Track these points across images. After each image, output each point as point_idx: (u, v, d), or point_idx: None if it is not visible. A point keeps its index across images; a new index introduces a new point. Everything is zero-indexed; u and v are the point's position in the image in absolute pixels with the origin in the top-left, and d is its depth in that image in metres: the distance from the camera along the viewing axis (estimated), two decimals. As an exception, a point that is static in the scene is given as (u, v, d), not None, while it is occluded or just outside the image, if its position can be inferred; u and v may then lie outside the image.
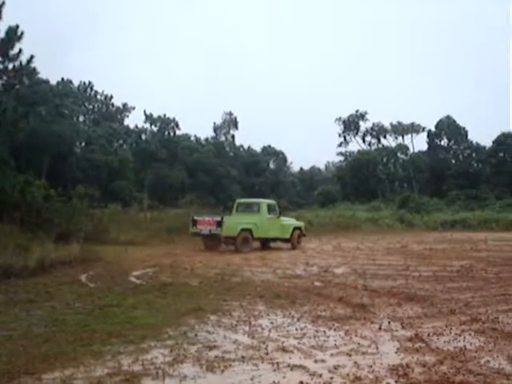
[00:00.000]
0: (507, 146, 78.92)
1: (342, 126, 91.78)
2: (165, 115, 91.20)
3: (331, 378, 6.04)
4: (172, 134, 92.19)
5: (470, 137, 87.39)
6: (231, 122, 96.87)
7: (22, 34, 24.00)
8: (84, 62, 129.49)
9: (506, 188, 73.36)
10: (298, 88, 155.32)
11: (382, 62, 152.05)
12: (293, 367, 6.44)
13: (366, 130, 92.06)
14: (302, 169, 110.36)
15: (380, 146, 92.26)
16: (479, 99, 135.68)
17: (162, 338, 7.84)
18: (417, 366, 6.48)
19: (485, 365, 6.52)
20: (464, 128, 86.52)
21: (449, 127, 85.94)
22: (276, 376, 6.11)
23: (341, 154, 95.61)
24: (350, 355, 6.98)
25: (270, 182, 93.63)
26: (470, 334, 8.11)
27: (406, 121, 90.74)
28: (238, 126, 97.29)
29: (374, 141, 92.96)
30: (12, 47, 24.14)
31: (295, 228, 27.77)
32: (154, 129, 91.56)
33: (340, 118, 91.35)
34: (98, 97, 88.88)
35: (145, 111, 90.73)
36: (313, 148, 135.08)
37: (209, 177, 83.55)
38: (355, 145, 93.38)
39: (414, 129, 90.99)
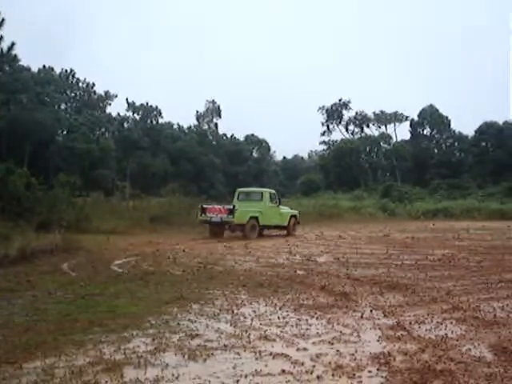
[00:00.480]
0: (489, 136, 79.49)
1: (325, 115, 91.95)
2: (147, 103, 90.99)
3: (313, 366, 6.03)
4: (154, 122, 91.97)
5: (452, 126, 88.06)
6: (214, 111, 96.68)
7: (2, 20, 23.71)
8: (65, 49, 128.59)
9: (488, 177, 73.89)
10: (282, 77, 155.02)
11: (365, 51, 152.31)
12: (275, 356, 6.43)
13: (349, 119, 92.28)
14: (285, 157, 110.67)
15: (363, 134, 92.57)
16: (462, 88, 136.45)
17: (144, 327, 7.82)
18: (398, 354, 6.49)
19: (466, 353, 6.55)
20: (447, 117, 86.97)
21: (431, 116, 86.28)
22: (258, 364, 6.10)
23: (324, 142, 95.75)
24: (332, 343, 6.98)
25: (253, 170, 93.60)
26: (451, 323, 8.14)
27: (389, 110, 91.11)
28: (221, 115, 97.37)
29: (357, 130, 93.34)
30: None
31: (291, 216, 29.19)
32: (137, 117, 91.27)
33: (323, 107, 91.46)
34: (80, 84, 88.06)
35: (127, 99, 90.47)
36: (296, 137, 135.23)
37: (192, 165, 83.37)
38: (338, 134, 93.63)
39: (396, 118, 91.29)
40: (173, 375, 5.74)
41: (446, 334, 7.43)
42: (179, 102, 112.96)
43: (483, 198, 62.71)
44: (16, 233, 17.60)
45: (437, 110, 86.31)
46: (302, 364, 6.11)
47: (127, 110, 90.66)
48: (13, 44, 24.35)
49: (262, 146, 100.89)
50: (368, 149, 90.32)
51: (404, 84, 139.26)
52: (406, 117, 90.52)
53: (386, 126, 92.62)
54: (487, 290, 11.12)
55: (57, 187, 26.20)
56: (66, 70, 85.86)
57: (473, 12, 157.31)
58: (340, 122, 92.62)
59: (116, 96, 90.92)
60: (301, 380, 5.61)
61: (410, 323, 8.10)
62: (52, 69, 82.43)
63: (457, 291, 10.86)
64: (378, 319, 8.42)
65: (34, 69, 76.55)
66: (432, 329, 7.79)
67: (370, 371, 5.89)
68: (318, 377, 5.70)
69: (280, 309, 9.19)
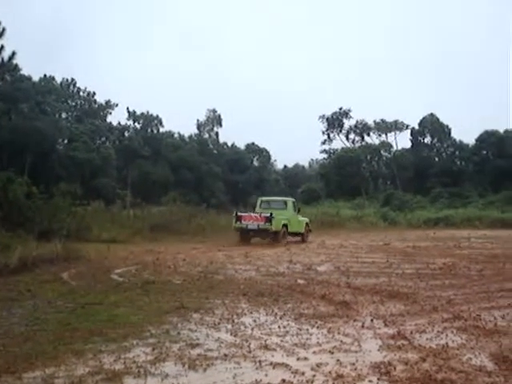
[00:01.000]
0: (490, 144, 79.52)
1: (325, 124, 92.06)
2: (148, 112, 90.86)
3: (314, 375, 6.03)
4: (155, 131, 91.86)
5: (453, 134, 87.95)
6: (215, 119, 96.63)
7: (3, 30, 23.70)
8: (67, 58, 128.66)
9: (489, 186, 73.92)
10: (282, 86, 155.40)
11: (366, 60, 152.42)
12: (275, 365, 6.42)
13: (350, 128, 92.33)
14: (285, 166, 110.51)
15: (363, 143, 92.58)
16: (463, 97, 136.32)
17: (144, 337, 7.81)
18: (399, 363, 6.48)
19: (467, 362, 6.54)
20: (447, 126, 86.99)
21: (432, 125, 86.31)
22: (258, 374, 6.09)
23: (324, 151, 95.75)
24: (333, 353, 6.97)
25: (254, 179, 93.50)
26: (452, 332, 8.14)
27: (390, 118, 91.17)
28: (222, 123, 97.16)
29: (357, 138, 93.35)
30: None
31: (306, 223, 31.16)
32: (137, 126, 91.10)
33: (324, 116, 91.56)
34: (81, 93, 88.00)
35: (128, 108, 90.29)
36: (297, 145, 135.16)
37: (192, 174, 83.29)
38: (339, 142, 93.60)
39: (397, 126, 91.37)
40: (173, 385, 5.73)
41: (446, 343, 7.42)
42: (180, 111, 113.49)
43: (484, 206, 62.75)
44: (16, 242, 17.57)
45: (437, 119, 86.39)
46: (303, 373, 6.09)
47: (128, 119, 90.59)
48: (13, 53, 24.27)
49: (263, 154, 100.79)
50: (369, 157, 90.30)
51: (404, 92, 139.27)
52: (407, 125, 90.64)
53: (386, 135, 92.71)
54: (488, 298, 11.12)
55: (57, 196, 26.18)
56: (67, 79, 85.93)
57: (473, 21, 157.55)
58: (340, 131, 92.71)
59: (117, 105, 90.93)
60: (301, 390, 5.61)
61: (411, 332, 8.09)
62: (53, 78, 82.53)
63: (458, 300, 10.86)
64: (379, 328, 8.41)
65: (35, 78, 76.61)
66: (433, 338, 7.78)
67: (370, 381, 5.88)
68: (319, 386, 5.69)
69: (280, 318, 9.18)
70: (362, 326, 8.53)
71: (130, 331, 8.10)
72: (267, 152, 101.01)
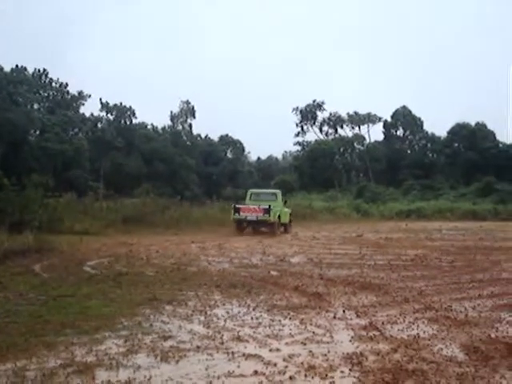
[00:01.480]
0: (462, 137, 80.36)
1: (299, 116, 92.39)
2: (121, 103, 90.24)
3: (286, 366, 6.04)
4: (128, 122, 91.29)
5: (425, 127, 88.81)
6: (188, 111, 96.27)
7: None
8: (38, 49, 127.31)
9: (460, 178, 74.72)
10: (257, 77, 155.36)
11: (339, 52, 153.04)
12: (248, 356, 6.43)
13: (323, 120, 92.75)
14: (259, 158, 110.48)
15: (337, 135, 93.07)
16: (435, 90, 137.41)
17: (117, 329, 7.76)
18: (371, 354, 6.52)
19: (438, 353, 6.60)
20: (420, 118, 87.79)
21: (405, 117, 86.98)
22: (231, 365, 6.10)
23: (298, 143, 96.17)
24: (305, 344, 7.00)
25: (228, 171, 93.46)
26: (423, 323, 8.21)
27: (363, 111, 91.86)
28: (196, 115, 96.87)
29: (331, 131, 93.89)
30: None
31: (290, 214, 32.04)
32: (110, 117, 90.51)
33: (297, 108, 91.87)
34: (53, 84, 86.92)
35: (101, 99, 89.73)
36: (270, 138, 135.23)
37: (166, 166, 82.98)
38: (312, 135, 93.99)
39: (370, 119, 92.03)
40: (145, 377, 5.71)
41: (417, 334, 7.49)
42: (153, 103, 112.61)
43: (455, 198, 63.41)
44: (-13, 234, 17.39)
45: (410, 112, 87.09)
46: (275, 365, 6.11)
47: (101, 110, 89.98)
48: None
49: (237, 146, 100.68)
50: (342, 150, 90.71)
51: (377, 85, 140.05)
52: (380, 118, 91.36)
53: (359, 127, 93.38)
54: (459, 289, 11.23)
55: (29, 188, 25.83)
56: (39, 70, 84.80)
57: (444, 13, 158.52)
58: (314, 123, 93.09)
59: (89, 96, 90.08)
60: (273, 381, 5.61)
61: (383, 323, 8.15)
62: (25, 68, 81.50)
63: (429, 291, 10.95)
64: (351, 319, 8.45)
65: (7, 68, 75.82)
66: (404, 329, 7.84)
67: (342, 371, 5.91)
68: (291, 377, 5.71)
69: (253, 309, 9.19)
70: (334, 317, 8.57)
71: (102, 323, 8.05)
72: (241, 144, 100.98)
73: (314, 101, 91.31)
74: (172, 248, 20.61)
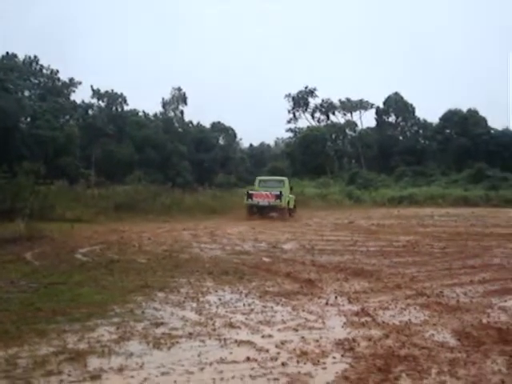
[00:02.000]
0: (453, 123, 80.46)
1: (291, 103, 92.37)
2: (112, 90, 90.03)
3: (278, 353, 6.04)
4: (120, 109, 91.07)
5: (417, 113, 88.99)
6: (180, 98, 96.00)
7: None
8: (28, 35, 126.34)
9: (452, 164, 74.92)
10: (248, 64, 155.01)
11: (331, 38, 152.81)
12: (240, 343, 6.42)
13: (316, 107, 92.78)
14: (251, 145, 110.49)
15: (329, 122, 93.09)
16: (427, 76, 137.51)
17: (109, 316, 7.74)
18: (363, 340, 6.53)
19: (429, 338, 6.61)
20: (411, 105, 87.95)
21: (397, 104, 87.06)
22: (223, 352, 6.09)
23: (290, 130, 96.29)
24: (297, 330, 7.00)
25: (220, 158, 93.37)
26: (415, 308, 8.22)
27: (355, 97, 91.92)
28: (187, 102, 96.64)
29: (323, 117, 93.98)
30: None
31: (294, 200, 33.64)
32: (102, 104, 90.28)
33: (289, 95, 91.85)
34: (44, 71, 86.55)
35: (92, 86, 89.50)
36: (262, 124, 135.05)
37: (157, 153, 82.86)
38: (304, 121, 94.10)
39: (362, 105, 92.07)
40: (137, 364, 5.69)
41: (409, 320, 7.49)
42: (144, 90, 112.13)
43: (447, 184, 63.60)
44: (-22, 222, 17.34)
45: (402, 98, 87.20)
46: (267, 351, 6.10)
47: (92, 97, 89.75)
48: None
49: (229, 133, 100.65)
50: (334, 136, 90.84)
51: (369, 72, 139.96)
52: (372, 104, 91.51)
53: (351, 114, 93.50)
54: (450, 275, 11.25)
55: (20, 175, 25.75)
56: (30, 57, 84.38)
57: (435, 2, 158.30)
58: (306, 110, 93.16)
59: (80, 83, 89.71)
60: (265, 367, 5.61)
61: (375, 309, 8.16)
62: (15, 55, 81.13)
63: (421, 277, 10.97)
64: (343, 305, 8.46)
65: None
66: (396, 315, 7.85)
67: (334, 357, 5.91)
68: (283, 363, 5.70)
69: (245, 296, 9.19)
70: (327, 304, 8.57)
71: (94, 311, 8.02)
72: (233, 130, 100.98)
73: (306, 87, 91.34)
74: (164, 235, 20.59)
